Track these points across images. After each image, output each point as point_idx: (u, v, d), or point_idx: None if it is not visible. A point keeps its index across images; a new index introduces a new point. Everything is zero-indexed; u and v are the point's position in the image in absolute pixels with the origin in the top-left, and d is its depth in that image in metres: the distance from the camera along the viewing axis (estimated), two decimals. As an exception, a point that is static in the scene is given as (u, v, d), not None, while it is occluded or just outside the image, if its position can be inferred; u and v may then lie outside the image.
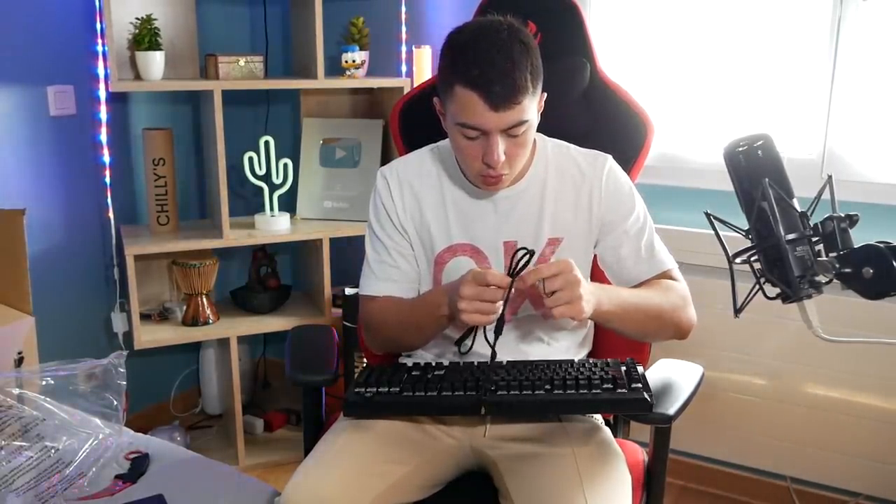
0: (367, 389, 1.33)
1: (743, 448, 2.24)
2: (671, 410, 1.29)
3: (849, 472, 2.11)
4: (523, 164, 1.40)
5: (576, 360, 1.38)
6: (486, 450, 1.38)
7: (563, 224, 1.44)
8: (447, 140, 1.44)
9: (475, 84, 1.26)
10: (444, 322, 1.37)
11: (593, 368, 1.32)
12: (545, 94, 1.37)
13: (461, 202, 1.46)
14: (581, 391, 1.26)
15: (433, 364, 1.38)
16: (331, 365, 1.55)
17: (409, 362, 1.49)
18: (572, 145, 1.50)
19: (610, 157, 1.48)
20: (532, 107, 1.31)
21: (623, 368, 1.33)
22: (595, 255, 1.49)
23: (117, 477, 1.41)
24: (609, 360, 1.36)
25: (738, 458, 2.28)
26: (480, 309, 1.25)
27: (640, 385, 1.27)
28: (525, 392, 1.27)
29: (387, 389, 1.33)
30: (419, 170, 1.50)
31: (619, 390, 1.26)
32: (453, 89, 1.29)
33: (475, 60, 1.26)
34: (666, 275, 1.44)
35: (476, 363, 1.37)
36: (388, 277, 1.49)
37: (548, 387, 1.27)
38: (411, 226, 1.48)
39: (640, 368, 1.33)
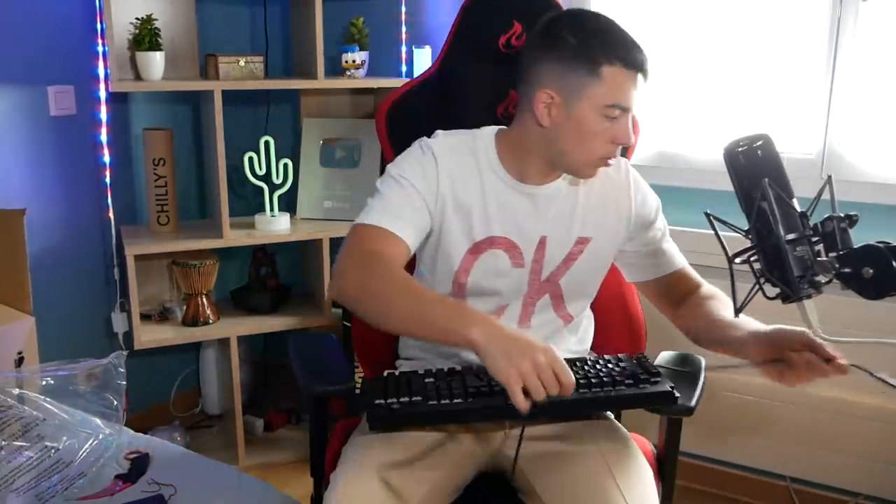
0: (388, 400, 1.24)
1: (743, 448, 2.24)
2: (691, 402, 1.32)
3: (849, 472, 2.10)
4: None
5: (587, 357, 1.35)
6: (506, 450, 1.37)
7: (593, 224, 1.43)
8: (487, 128, 1.42)
9: (632, 63, 1.29)
10: (447, 339, 1.19)
11: (609, 365, 1.31)
12: None
13: (501, 194, 1.39)
14: (605, 388, 1.25)
15: (445, 370, 1.32)
16: (344, 373, 1.48)
17: (406, 367, 1.46)
18: None
19: (624, 158, 1.48)
20: None
21: (635, 362, 1.32)
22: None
23: (117, 477, 1.41)
24: (620, 355, 1.35)
25: (738, 458, 2.28)
26: (536, 387, 1.08)
27: (659, 378, 1.27)
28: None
29: (408, 399, 1.24)
30: (464, 150, 1.40)
31: (642, 385, 1.26)
32: (600, 71, 1.28)
33: (621, 42, 1.29)
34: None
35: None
36: (400, 216, 1.33)
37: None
38: (449, 200, 1.37)
39: (652, 362, 1.34)
